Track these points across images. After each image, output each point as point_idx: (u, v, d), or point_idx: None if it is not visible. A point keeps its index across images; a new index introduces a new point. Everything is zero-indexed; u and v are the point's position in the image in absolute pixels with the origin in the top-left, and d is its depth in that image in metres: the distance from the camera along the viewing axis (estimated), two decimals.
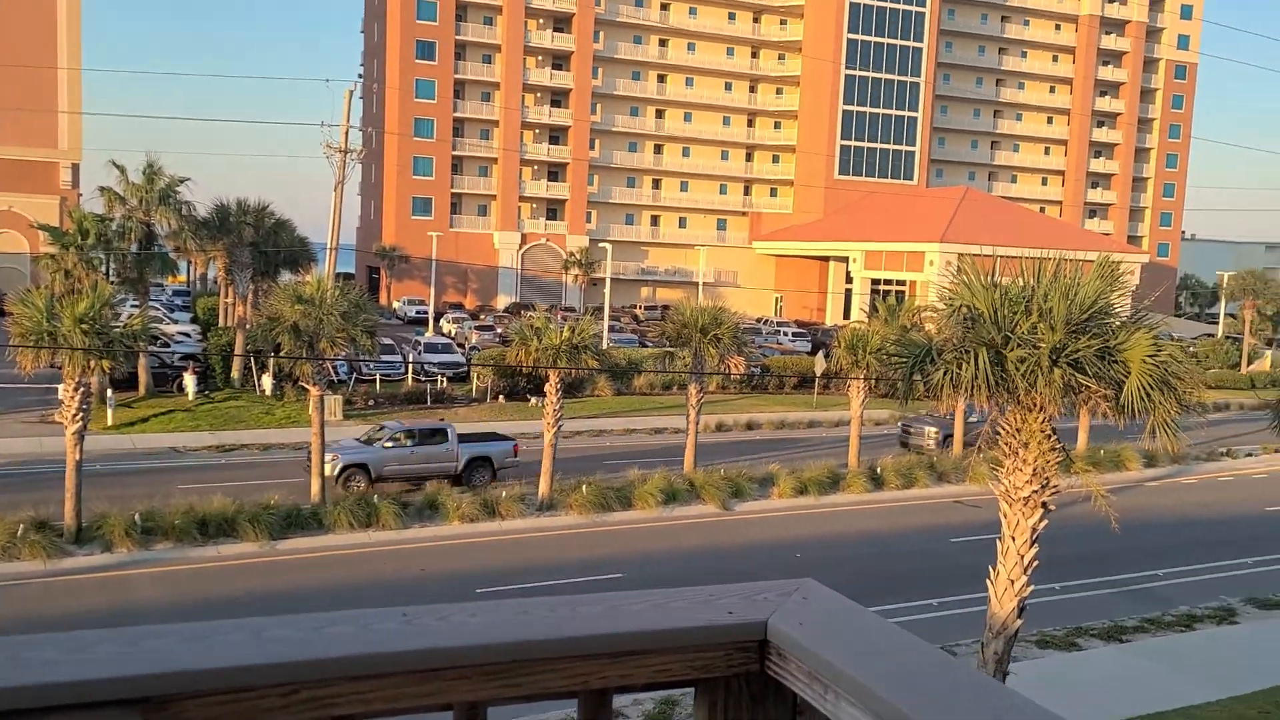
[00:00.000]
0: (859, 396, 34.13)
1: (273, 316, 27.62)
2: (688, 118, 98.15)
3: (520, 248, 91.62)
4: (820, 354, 49.23)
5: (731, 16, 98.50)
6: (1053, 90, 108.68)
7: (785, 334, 71.40)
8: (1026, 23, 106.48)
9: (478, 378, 46.79)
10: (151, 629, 1.22)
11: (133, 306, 41.38)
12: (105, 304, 24.78)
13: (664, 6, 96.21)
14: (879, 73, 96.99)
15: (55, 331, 23.81)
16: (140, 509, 24.56)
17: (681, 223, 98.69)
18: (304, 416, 33.70)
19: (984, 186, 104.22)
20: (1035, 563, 13.83)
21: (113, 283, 38.99)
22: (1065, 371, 12.77)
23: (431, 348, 51.77)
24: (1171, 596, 23.00)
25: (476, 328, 65.12)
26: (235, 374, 44.74)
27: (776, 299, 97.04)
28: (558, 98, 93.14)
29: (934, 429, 38.33)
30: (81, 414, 24.09)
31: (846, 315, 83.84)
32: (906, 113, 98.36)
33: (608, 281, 67.81)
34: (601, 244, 77.73)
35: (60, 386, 25.33)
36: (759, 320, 79.13)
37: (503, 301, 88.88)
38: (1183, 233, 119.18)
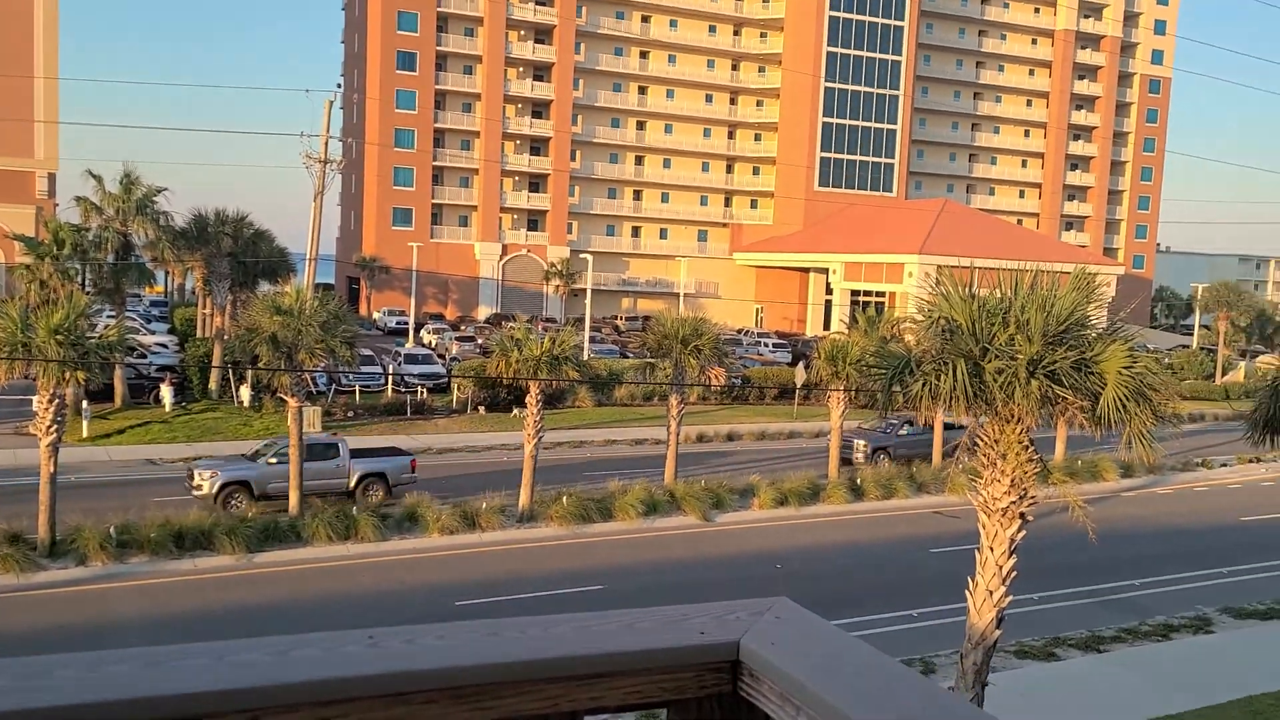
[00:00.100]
0: (839, 408, 34.23)
1: (251, 327, 27.44)
2: (669, 129, 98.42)
3: (501, 258, 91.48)
4: (800, 365, 49.35)
5: (712, 29, 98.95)
6: (1029, 104, 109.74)
7: (766, 345, 71.56)
8: (1003, 37, 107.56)
9: (458, 389, 46.62)
10: (112, 654, 1.19)
11: (109, 317, 41.02)
12: (81, 315, 24.53)
13: (645, 19, 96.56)
14: (858, 86, 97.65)
15: (30, 343, 23.55)
16: (115, 522, 24.29)
17: (662, 234, 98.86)
18: (282, 428, 33.47)
19: (962, 199, 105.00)
20: (1014, 573, 13.88)
21: (89, 293, 38.64)
22: (1042, 383, 12.84)
23: (412, 359, 51.55)
24: (1149, 606, 23.13)
25: (457, 339, 64.91)
26: (213, 385, 44.39)
27: (757, 310, 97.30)
28: (539, 109, 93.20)
29: (863, 442, 38.31)
30: (56, 426, 23.82)
31: (826, 326, 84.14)
32: (885, 125, 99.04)
33: (589, 292, 67.82)
34: (582, 255, 77.77)
35: (34, 398, 25.06)
36: (740, 331, 79.26)
37: (483, 312, 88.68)
38: (1158, 245, 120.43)
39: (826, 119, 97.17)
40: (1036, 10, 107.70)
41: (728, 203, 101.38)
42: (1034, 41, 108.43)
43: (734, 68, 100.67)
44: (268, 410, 41.40)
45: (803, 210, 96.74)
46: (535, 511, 28.36)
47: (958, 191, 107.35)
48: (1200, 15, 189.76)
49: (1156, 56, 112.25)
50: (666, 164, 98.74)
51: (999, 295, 13.55)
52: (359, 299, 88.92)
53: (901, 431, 39.14)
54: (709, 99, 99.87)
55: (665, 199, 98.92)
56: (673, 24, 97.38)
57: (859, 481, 33.06)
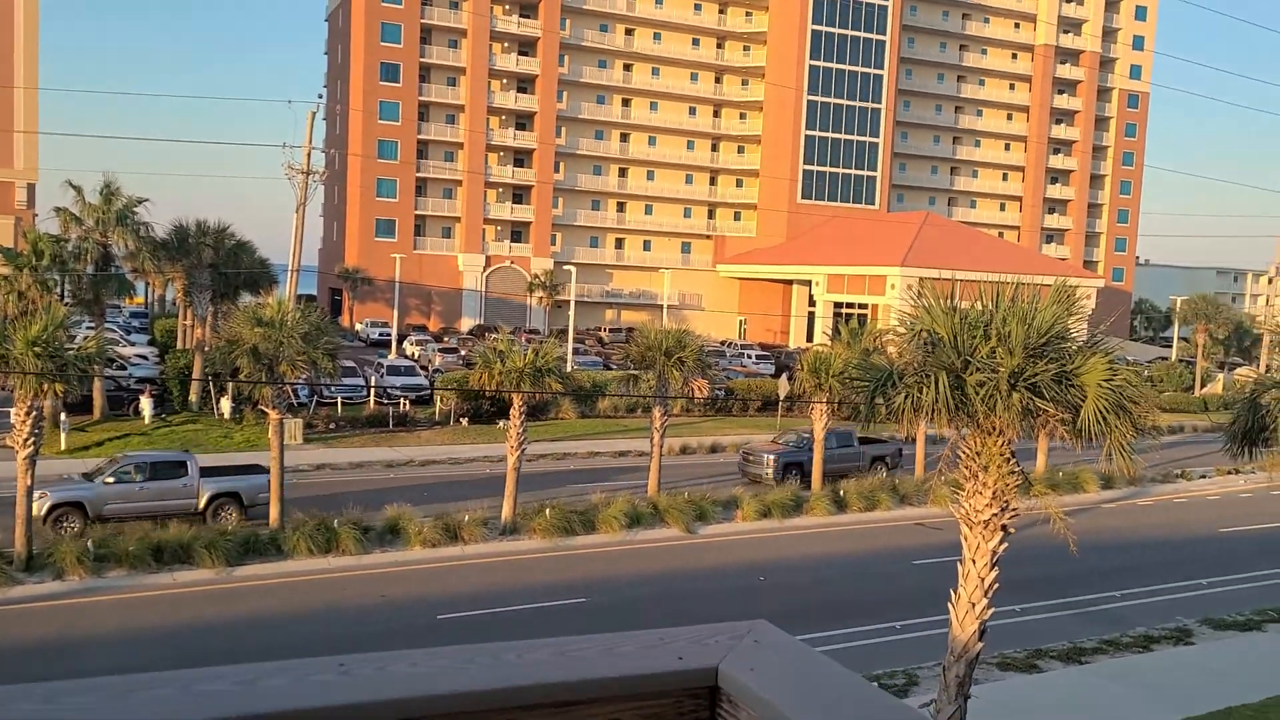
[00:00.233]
0: (822, 419, 34.28)
1: (232, 339, 27.27)
2: (652, 141, 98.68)
3: (484, 270, 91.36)
4: (784, 377, 49.43)
5: (696, 42, 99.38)
6: (1010, 118, 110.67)
7: (749, 357, 71.64)
8: (984, 52, 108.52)
9: (441, 400, 46.46)
10: (74, 684, 1.16)
11: (88, 328, 40.68)
12: (59, 326, 24.33)
13: (629, 32, 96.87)
14: (841, 99, 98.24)
15: (7, 354, 23.33)
16: (93, 535, 24.03)
17: (646, 246, 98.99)
18: (264, 440, 33.26)
19: (944, 211, 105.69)
20: (996, 585, 13.91)
21: (68, 304, 38.36)
22: (1024, 395, 12.90)
23: (394, 370, 51.34)
24: (1129, 617, 23.23)
25: (440, 350, 64.73)
26: (193, 397, 44.06)
27: (740, 322, 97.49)
28: (522, 120, 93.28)
29: (771, 457, 36.18)
30: (33, 438, 23.58)
31: (809, 338, 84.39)
32: (868, 138, 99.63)
33: (572, 304, 67.78)
34: (566, 266, 77.74)
35: (11, 410, 24.79)
36: (723, 343, 79.37)
37: (467, 324, 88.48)
38: (1137, 258, 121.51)
39: (809, 132, 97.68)
40: (1016, 25, 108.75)
41: (711, 215, 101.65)
42: (1014, 56, 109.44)
43: (717, 80, 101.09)
44: (249, 422, 41.13)
45: (786, 222, 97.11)
46: (518, 524, 28.25)
47: (939, 204, 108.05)
48: (1178, 31, 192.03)
49: (1135, 71, 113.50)
50: (650, 176, 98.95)
51: (980, 308, 13.61)
52: (341, 310, 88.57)
53: (800, 443, 37.09)
54: (692, 111, 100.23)
55: (649, 211, 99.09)
56: (656, 37, 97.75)
57: (842, 493, 33.09)
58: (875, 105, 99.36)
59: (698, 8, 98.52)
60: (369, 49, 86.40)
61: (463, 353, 62.26)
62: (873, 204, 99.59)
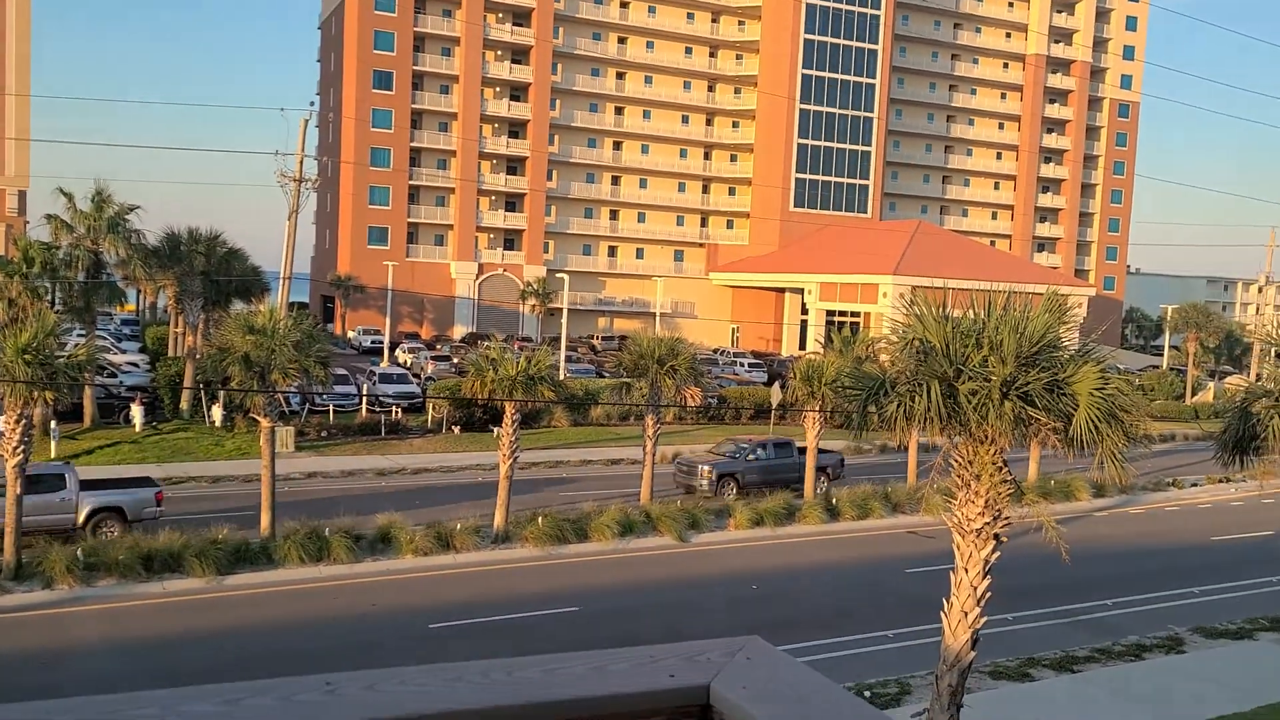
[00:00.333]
0: (814, 428, 34.28)
1: (223, 347, 27.17)
2: (645, 150, 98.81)
3: (477, 278, 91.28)
4: (776, 385, 49.43)
5: (688, 51, 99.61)
6: (1001, 127, 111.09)
7: (742, 364, 71.68)
8: (976, 61, 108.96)
9: (433, 409, 46.37)
10: (54, 705, 1.14)
11: (79, 336, 40.54)
12: (50, 334, 24.22)
13: (622, 40, 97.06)
14: (833, 108, 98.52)
15: None
16: (82, 544, 23.90)
17: (639, 254, 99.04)
18: (255, 448, 33.12)
19: (936, 220, 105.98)
20: (988, 594, 13.91)
21: (58, 312, 38.20)
22: (1016, 404, 12.91)
23: (386, 378, 51.22)
24: (1121, 626, 23.25)
25: (432, 358, 64.61)
26: (185, 405, 43.91)
27: (733, 330, 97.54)
28: (515, 128, 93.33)
29: (707, 468, 35.12)
30: (23, 446, 23.46)
31: (802, 346, 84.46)
32: (860, 147, 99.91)
33: (565, 312, 67.74)
34: (559, 274, 77.73)
35: (1, 418, 24.66)
36: (716, 351, 79.42)
37: (459, 331, 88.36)
38: (1128, 266, 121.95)
39: (802, 140, 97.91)
40: (1008, 35, 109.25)
41: (704, 223, 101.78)
42: (1005, 66, 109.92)
43: (710, 89, 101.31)
44: (240, 430, 40.99)
45: (778, 230, 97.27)
46: (510, 532, 28.18)
47: (931, 213, 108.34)
48: (1168, 42, 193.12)
49: (1125, 81, 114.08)
50: (643, 184, 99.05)
51: (973, 316, 13.63)
52: (334, 318, 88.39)
53: (751, 457, 36.00)
54: (685, 120, 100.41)
55: (642, 219, 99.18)
56: (649, 46, 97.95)
57: (834, 501, 33.09)
58: (867, 114, 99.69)
59: (690, 17, 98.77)
60: (362, 57, 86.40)
61: (455, 360, 62.15)
62: (865, 212, 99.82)
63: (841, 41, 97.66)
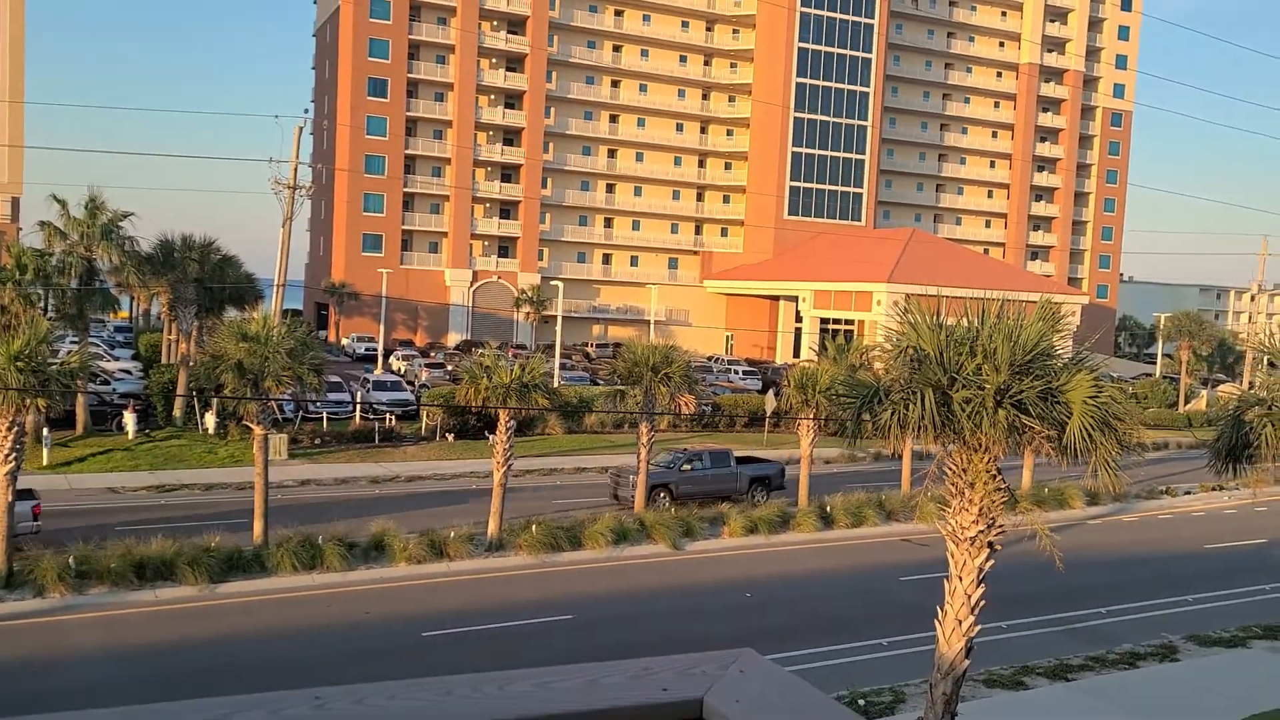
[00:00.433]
0: (809, 435, 34.28)
1: (217, 354, 27.10)
2: (639, 157, 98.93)
3: (471, 285, 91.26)
4: (770, 392, 49.46)
5: (683, 59, 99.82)
6: (995, 135, 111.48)
7: (736, 372, 71.71)
8: (969, 69, 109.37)
9: (427, 416, 46.30)
10: (48, 718, 1.13)
11: (72, 343, 40.40)
12: (42, 340, 24.16)
13: (617, 48, 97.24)
14: (827, 116, 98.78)
15: None
16: (75, 551, 23.80)
17: (633, 261, 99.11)
18: (248, 456, 33.06)
19: (930, 228, 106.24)
20: (982, 602, 13.89)
21: (51, 319, 38.09)
22: (1009, 412, 12.92)
23: (380, 385, 51.16)
24: (1115, 634, 23.25)
25: (426, 365, 64.55)
26: (177, 412, 43.79)
27: (727, 337, 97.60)
28: (510, 136, 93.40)
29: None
30: (15, 453, 23.37)
31: (796, 354, 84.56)
32: (854, 155, 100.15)
33: (559, 319, 67.73)
34: (553, 282, 77.77)
35: None
36: (710, 358, 79.45)
37: (453, 339, 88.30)
38: (1121, 275, 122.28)
39: (796, 148, 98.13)
40: (1001, 44, 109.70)
41: (698, 230, 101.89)
42: (999, 75, 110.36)
43: (704, 97, 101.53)
44: (233, 438, 40.89)
45: (773, 238, 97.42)
46: (504, 540, 28.12)
47: (925, 221, 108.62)
48: (1160, 51, 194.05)
49: (1118, 90, 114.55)
50: (637, 192, 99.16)
51: (966, 325, 13.65)
52: (328, 325, 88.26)
53: (686, 467, 35.19)
54: (679, 128, 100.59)
55: (636, 226, 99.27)
56: (644, 53, 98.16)
57: (829, 509, 33.08)
58: (861, 122, 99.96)
59: (685, 25, 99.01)
60: (357, 64, 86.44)
61: (449, 368, 62.11)
62: (859, 220, 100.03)
63: (835, 50, 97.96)
